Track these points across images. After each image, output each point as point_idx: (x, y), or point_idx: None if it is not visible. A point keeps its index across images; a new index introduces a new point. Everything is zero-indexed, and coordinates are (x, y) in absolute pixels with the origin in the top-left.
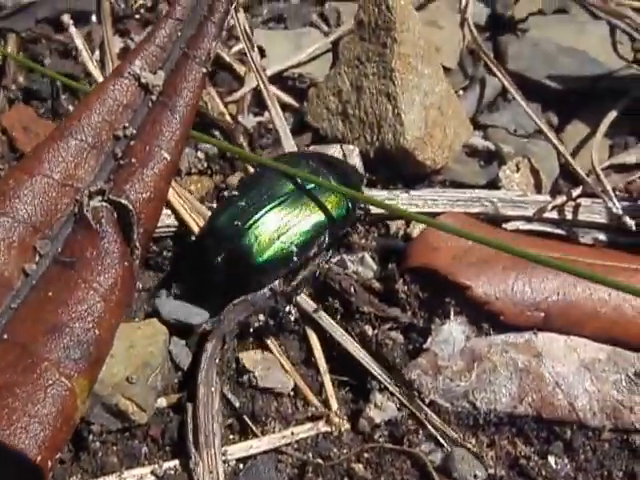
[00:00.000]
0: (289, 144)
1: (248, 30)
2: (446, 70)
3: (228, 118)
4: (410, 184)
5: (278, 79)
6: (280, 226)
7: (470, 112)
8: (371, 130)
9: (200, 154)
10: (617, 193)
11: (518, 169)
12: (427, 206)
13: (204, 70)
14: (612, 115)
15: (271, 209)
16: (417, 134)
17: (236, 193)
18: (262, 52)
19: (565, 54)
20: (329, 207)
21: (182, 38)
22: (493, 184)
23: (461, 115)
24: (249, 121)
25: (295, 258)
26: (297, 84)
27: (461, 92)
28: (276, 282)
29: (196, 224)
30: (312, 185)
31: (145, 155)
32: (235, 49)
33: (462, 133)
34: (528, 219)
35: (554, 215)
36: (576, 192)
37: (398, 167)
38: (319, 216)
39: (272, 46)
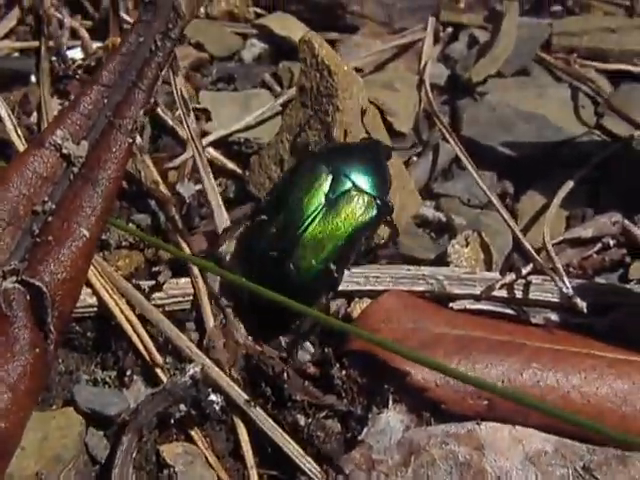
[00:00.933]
0: (222, 219)
1: (186, 95)
2: (400, 135)
3: (163, 188)
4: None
5: (223, 144)
6: (315, 247)
7: (423, 180)
8: None
9: (132, 226)
10: (571, 270)
11: (467, 243)
12: (369, 284)
13: (130, 140)
14: (569, 186)
15: (303, 232)
16: None
17: (264, 217)
18: (208, 115)
19: (523, 119)
20: (360, 212)
21: (108, 105)
22: (443, 258)
23: (409, 186)
24: (188, 189)
25: (335, 274)
26: (243, 149)
27: (415, 158)
28: (195, 369)
29: (117, 306)
30: (339, 192)
31: (63, 232)
32: (179, 112)
33: (410, 205)
34: (476, 297)
35: (503, 293)
36: (526, 269)
37: None
38: (351, 225)
39: (218, 109)
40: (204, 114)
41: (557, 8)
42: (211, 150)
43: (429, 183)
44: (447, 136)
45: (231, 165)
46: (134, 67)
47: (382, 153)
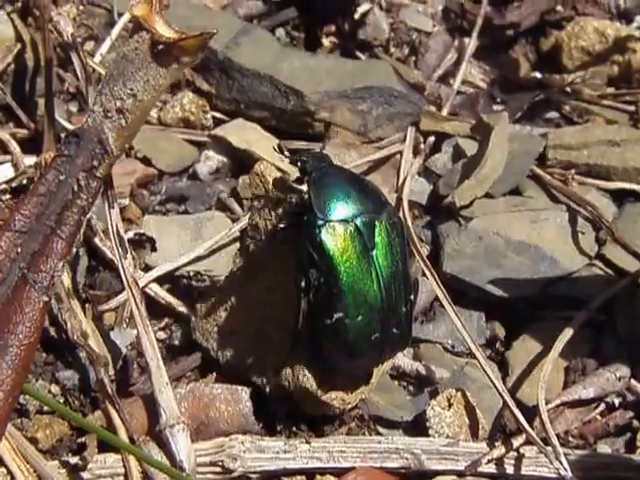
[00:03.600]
0: (161, 380)
1: (123, 233)
2: None
3: (92, 341)
4: (316, 425)
5: (170, 278)
6: (398, 298)
7: None
8: None
9: (55, 387)
10: (570, 439)
11: (450, 405)
12: (333, 460)
13: (45, 299)
14: (567, 334)
15: (383, 299)
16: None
17: (340, 314)
18: (152, 244)
19: (515, 250)
20: (395, 233)
21: (22, 256)
22: (422, 418)
23: None
24: (125, 337)
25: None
26: (193, 283)
27: None
28: None
29: None
30: (370, 232)
31: None
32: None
33: None
34: (459, 474)
35: (492, 468)
36: (518, 441)
37: (300, 406)
38: (399, 249)
39: (165, 236)
40: (148, 243)
41: (553, 115)
42: (155, 287)
43: None
44: (427, 272)
45: (177, 305)
46: (53, 211)
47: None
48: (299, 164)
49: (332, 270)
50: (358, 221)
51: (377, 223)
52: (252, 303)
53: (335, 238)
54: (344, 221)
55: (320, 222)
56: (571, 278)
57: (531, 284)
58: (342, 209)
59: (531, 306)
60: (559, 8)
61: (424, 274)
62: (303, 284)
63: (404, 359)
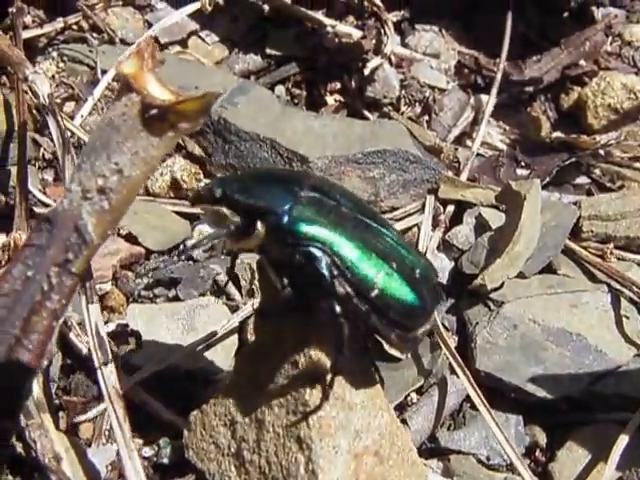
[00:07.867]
0: None
1: (102, 330)
2: (395, 361)
3: (66, 465)
4: None
5: (157, 381)
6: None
7: (425, 429)
8: None
9: None
10: None
11: None
12: None
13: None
14: (622, 443)
15: (395, 240)
16: None
17: (381, 273)
18: (137, 339)
19: (555, 341)
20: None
21: None
22: None
23: (409, 455)
24: (104, 456)
25: None
26: (186, 387)
27: (414, 396)
28: None
29: None
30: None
31: None
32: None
33: None
34: None
35: None
36: None
37: None
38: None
39: (152, 328)
40: (133, 337)
41: (582, 180)
42: (140, 392)
43: (434, 432)
44: (458, 371)
45: (167, 415)
46: (18, 316)
47: None
48: (207, 194)
49: (336, 239)
50: (306, 193)
51: (324, 187)
52: (259, 420)
53: (308, 211)
54: (296, 199)
55: (284, 218)
56: (619, 372)
57: (576, 381)
58: (282, 191)
59: (576, 407)
60: (582, 62)
61: (453, 371)
62: (338, 307)
63: (433, 476)
